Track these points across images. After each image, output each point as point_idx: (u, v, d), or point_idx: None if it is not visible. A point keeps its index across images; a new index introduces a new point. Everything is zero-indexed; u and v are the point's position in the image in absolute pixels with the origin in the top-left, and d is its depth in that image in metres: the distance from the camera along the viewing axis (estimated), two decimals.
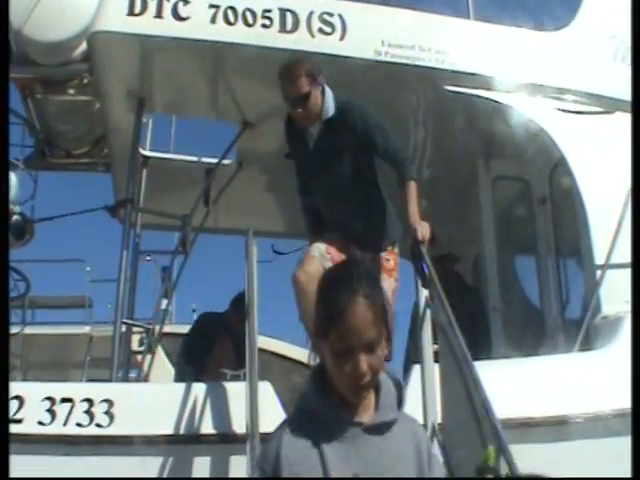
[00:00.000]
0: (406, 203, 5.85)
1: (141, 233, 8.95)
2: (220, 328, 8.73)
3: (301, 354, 11.21)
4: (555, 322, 8.35)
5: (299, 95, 5.77)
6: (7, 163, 5.35)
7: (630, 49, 6.71)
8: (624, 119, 8.23)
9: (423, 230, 5.69)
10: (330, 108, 5.89)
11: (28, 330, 13.92)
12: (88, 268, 16.69)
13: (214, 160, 9.48)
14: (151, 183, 9.43)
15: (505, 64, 8.31)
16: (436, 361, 5.79)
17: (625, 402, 4.73)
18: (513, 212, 9.32)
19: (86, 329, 15.52)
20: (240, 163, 9.58)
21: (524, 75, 8.29)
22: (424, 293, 6.03)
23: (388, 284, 5.80)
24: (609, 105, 8.42)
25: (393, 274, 5.99)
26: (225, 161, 9.46)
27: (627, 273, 5.84)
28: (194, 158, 9.90)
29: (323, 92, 5.89)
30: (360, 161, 6.00)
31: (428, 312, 5.99)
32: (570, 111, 8.28)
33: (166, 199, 9.62)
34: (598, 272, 7.39)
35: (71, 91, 9.39)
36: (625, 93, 8.35)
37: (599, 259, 7.43)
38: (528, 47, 8.54)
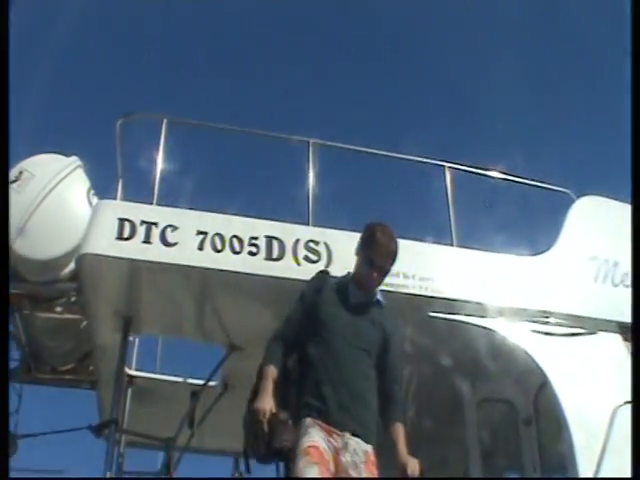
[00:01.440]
0: (395, 442, 5.79)
1: (124, 452, 8.86)
2: None
3: None
4: None
5: (387, 270, 5.94)
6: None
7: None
8: (606, 339, 8.38)
9: (412, 467, 5.68)
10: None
11: None
12: None
13: (199, 381, 9.50)
14: (136, 402, 9.41)
15: (488, 289, 8.45)
16: None
17: None
18: (498, 432, 9.24)
19: None
20: (225, 385, 9.54)
21: (507, 299, 8.43)
22: None
23: None
24: (591, 325, 8.51)
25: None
26: (211, 382, 9.44)
27: None
28: (179, 379, 9.91)
29: None
30: (379, 353, 5.95)
31: None
32: (553, 334, 8.37)
33: (151, 418, 9.53)
34: None
35: (58, 309, 9.48)
36: (607, 313, 8.55)
37: None
38: (510, 272, 8.73)
